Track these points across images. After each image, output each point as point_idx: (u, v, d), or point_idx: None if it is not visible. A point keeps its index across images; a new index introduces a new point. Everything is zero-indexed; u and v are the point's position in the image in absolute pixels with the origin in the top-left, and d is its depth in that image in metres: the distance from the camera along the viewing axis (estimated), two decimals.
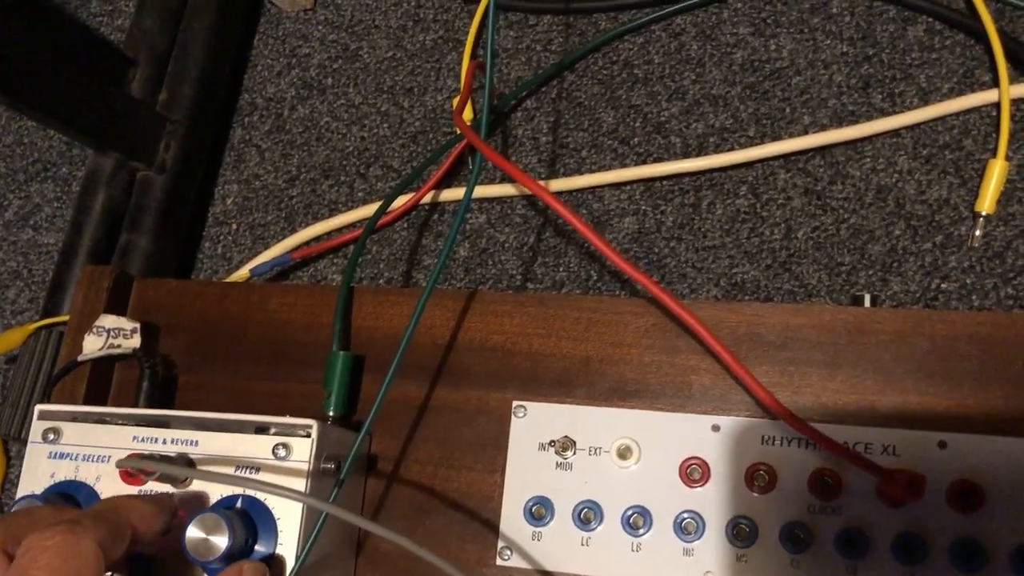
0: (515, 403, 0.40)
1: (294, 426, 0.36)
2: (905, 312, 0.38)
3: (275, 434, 0.36)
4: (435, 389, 0.41)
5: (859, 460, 0.35)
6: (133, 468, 0.36)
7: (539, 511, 0.39)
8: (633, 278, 0.41)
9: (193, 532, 0.34)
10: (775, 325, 0.39)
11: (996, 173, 0.49)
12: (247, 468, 0.36)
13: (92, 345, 0.43)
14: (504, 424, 0.40)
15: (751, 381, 0.36)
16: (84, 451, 0.38)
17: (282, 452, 0.36)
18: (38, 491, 0.38)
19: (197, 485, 0.36)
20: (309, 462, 0.36)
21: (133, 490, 0.37)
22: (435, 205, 0.59)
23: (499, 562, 0.39)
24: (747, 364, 0.37)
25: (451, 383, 0.41)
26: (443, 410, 0.41)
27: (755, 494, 0.37)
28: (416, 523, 0.40)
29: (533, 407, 0.40)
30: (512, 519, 0.39)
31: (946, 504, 0.35)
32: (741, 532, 0.37)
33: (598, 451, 0.39)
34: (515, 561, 0.39)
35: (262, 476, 0.36)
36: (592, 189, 0.56)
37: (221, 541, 0.34)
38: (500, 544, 0.39)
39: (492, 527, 0.39)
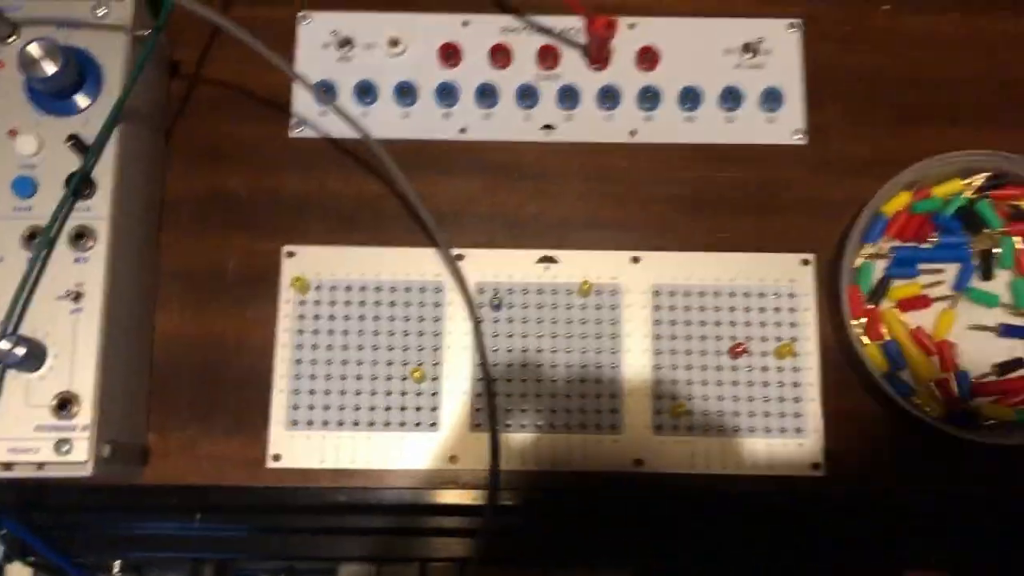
0: (300, 14, 0.48)
1: None
2: None
3: None
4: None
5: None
6: None
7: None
8: None
9: (32, 49, 0.39)
10: None
11: None
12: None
13: None
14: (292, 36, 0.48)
15: None
16: None
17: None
18: None
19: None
20: None
21: None
22: None
23: (291, 134, 0.47)
24: None
25: None
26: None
27: (499, 69, 0.47)
28: (217, 119, 0.47)
29: (319, 15, 0.48)
30: (303, 96, 0.47)
31: (634, 66, 0.48)
32: (487, 93, 0.47)
33: (372, 46, 0.48)
34: (307, 132, 0.47)
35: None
36: None
37: (51, 67, 0.39)
38: (293, 120, 0.47)
39: (283, 107, 0.47)
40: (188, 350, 0.44)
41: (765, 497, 0.43)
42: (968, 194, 0.45)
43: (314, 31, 0.48)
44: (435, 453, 0.43)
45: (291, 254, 0.45)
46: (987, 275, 0.45)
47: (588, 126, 0.47)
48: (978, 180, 0.45)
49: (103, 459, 0.38)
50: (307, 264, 0.45)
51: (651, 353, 0.44)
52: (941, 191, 0.45)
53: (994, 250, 0.45)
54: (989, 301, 0.45)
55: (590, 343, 0.44)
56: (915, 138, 0.46)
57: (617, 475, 0.43)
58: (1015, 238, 0.45)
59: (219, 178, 0.46)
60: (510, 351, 0.44)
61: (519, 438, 0.43)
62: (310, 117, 0.47)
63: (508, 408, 0.43)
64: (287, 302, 0.44)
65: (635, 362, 0.44)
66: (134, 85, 0.40)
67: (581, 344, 0.44)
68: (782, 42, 0.47)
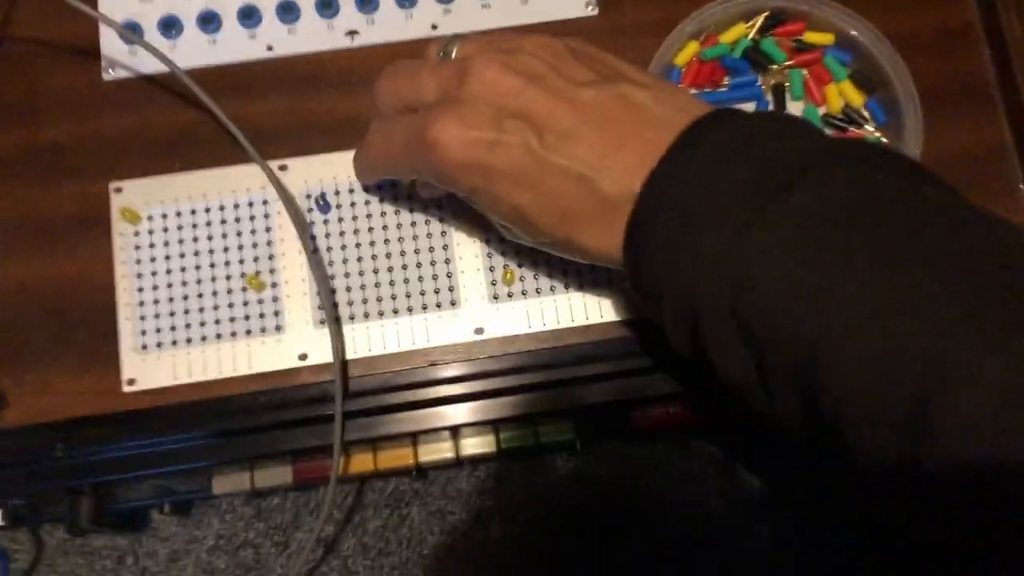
0: None
1: None
2: None
3: None
4: None
5: None
6: None
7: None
8: None
9: None
10: None
11: None
12: None
13: None
14: None
15: None
16: None
17: None
18: None
19: None
20: None
21: None
22: None
23: (105, 77, 0.48)
24: None
25: None
26: None
27: None
28: (29, 74, 0.48)
29: None
30: (111, 39, 0.48)
31: None
32: (288, 8, 0.48)
33: None
34: (119, 73, 0.48)
35: None
36: None
37: None
38: (104, 63, 0.48)
39: (93, 53, 0.48)
40: (31, 296, 0.45)
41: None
42: (752, 36, 0.48)
43: None
44: (284, 353, 0.45)
45: (119, 190, 0.46)
46: (781, 107, 0.48)
47: (390, 27, 0.49)
48: (759, 21, 0.48)
49: None
50: (135, 196, 0.46)
51: (479, 229, 0.46)
52: (726, 37, 0.48)
53: (784, 84, 0.48)
54: None
55: (420, 229, 0.46)
56: None
57: (461, 345, 0.45)
58: (802, 70, 0.48)
59: (40, 130, 0.47)
60: (344, 248, 0.46)
61: (363, 326, 0.45)
62: (120, 58, 0.48)
63: (350, 302, 0.45)
64: (121, 235, 0.46)
65: (463, 240, 0.46)
66: None
67: (411, 232, 0.46)
68: None
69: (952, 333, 0.27)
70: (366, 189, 0.46)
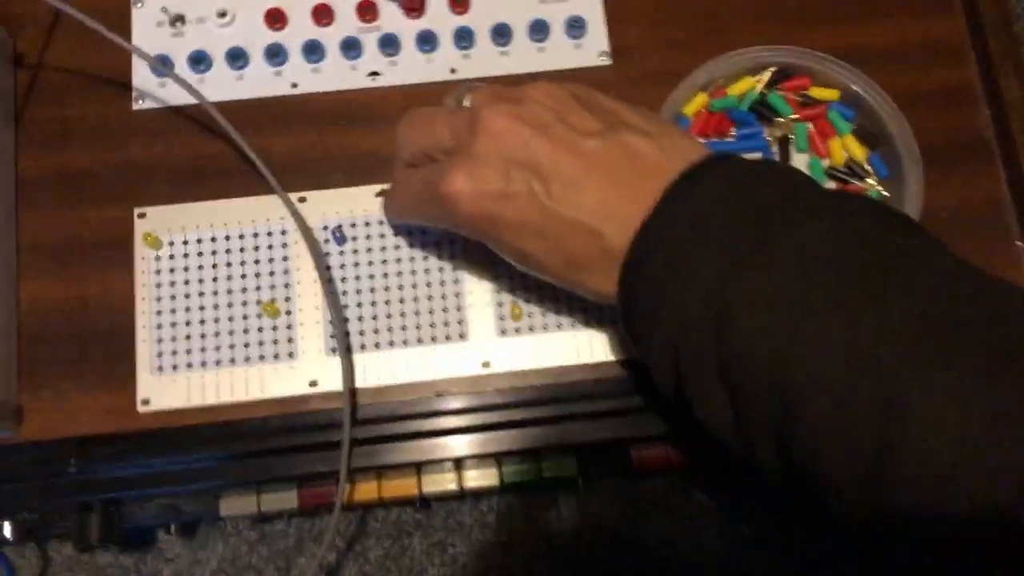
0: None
1: None
2: None
3: None
4: None
5: None
6: None
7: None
8: None
9: None
10: None
11: None
12: None
13: None
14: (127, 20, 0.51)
15: None
16: None
17: None
18: None
19: None
20: None
21: None
22: None
23: (135, 107, 0.50)
24: None
25: None
26: None
27: (323, 27, 0.51)
28: (63, 103, 0.50)
29: None
30: (142, 71, 0.50)
31: (448, 11, 0.52)
32: (313, 49, 0.50)
33: (203, 19, 0.51)
34: (148, 104, 0.50)
35: None
36: None
37: None
38: (134, 94, 0.50)
39: (124, 84, 0.50)
40: (54, 315, 0.47)
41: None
42: (759, 89, 0.50)
43: (147, 13, 0.51)
44: (295, 379, 0.46)
45: (142, 215, 0.48)
46: (785, 159, 0.49)
47: (411, 69, 0.51)
48: (766, 76, 0.50)
49: None
50: (158, 222, 0.48)
51: (488, 265, 0.47)
52: (734, 90, 0.50)
53: (789, 136, 0.50)
54: None
55: (432, 263, 0.48)
56: (710, 48, 0.50)
57: (468, 377, 0.46)
58: (807, 123, 0.50)
59: (69, 156, 0.49)
60: (357, 279, 0.47)
61: (373, 356, 0.46)
62: (150, 90, 0.50)
63: (361, 331, 0.47)
64: (143, 259, 0.47)
65: (473, 275, 0.47)
66: None
67: (424, 265, 0.48)
68: None
69: (911, 382, 0.28)
70: (380, 223, 0.48)
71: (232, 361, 0.46)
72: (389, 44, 0.50)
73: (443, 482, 0.48)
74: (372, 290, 0.47)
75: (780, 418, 0.31)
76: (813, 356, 0.30)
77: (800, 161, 0.49)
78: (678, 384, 0.35)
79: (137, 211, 0.48)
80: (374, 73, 0.50)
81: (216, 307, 0.47)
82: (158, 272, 0.47)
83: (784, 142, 0.49)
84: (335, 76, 0.50)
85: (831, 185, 0.49)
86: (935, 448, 0.27)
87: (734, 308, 0.32)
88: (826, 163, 0.49)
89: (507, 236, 0.37)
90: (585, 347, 0.47)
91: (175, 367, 0.46)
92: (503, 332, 0.47)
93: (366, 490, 0.48)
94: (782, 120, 0.50)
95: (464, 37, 0.50)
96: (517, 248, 0.38)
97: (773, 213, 0.34)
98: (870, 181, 0.49)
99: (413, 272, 0.47)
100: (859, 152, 0.49)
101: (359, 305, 0.47)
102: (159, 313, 0.47)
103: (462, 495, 0.49)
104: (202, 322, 0.47)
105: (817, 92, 0.50)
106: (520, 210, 0.37)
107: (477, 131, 0.37)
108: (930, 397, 0.28)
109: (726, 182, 0.35)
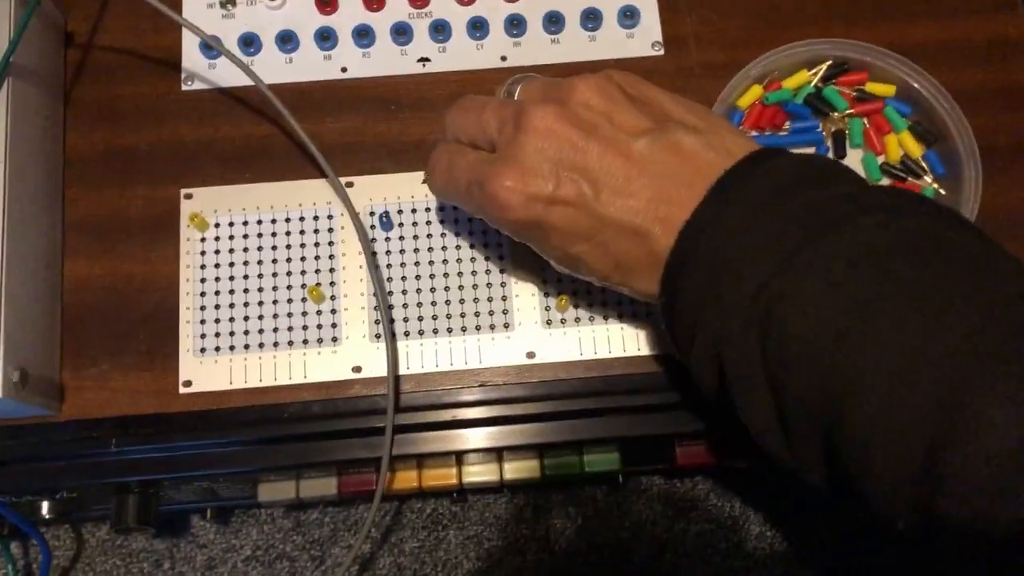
0: None
1: None
2: None
3: None
4: None
5: None
6: None
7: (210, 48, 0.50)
8: None
9: None
10: None
11: None
12: None
13: None
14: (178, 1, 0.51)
15: None
16: None
17: None
18: None
19: None
20: None
21: None
22: None
23: (184, 88, 0.50)
24: None
25: None
26: None
27: (374, 12, 0.51)
28: (112, 82, 0.50)
29: None
30: (192, 52, 0.50)
31: None
32: (364, 34, 0.50)
33: (254, 2, 0.51)
34: (197, 85, 0.50)
35: None
36: None
37: None
38: (184, 75, 0.50)
39: (174, 64, 0.50)
40: (98, 293, 0.46)
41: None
42: (815, 83, 0.49)
43: None
44: (339, 365, 0.45)
45: (189, 196, 0.48)
46: (840, 154, 0.49)
47: (461, 56, 0.50)
48: (822, 69, 0.49)
49: (12, 384, 0.40)
50: (204, 203, 0.48)
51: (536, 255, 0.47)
52: (790, 83, 0.49)
53: (844, 131, 0.49)
54: None
55: (479, 252, 0.47)
56: (764, 40, 0.50)
57: (512, 367, 0.45)
58: (862, 119, 0.49)
59: (118, 135, 0.49)
60: (403, 265, 0.47)
61: (417, 343, 0.46)
62: (199, 71, 0.50)
63: (406, 318, 0.46)
64: (188, 240, 0.47)
65: (520, 265, 0.47)
66: (18, 46, 0.43)
67: (470, 253, 0.47)
68: None
69: (970, 382, 0.27)
70: (427, 210, 0.47)
71: (275, 345, 0.46)
72: (440, 30, 0.50)
73: (483, 473, 0.48)
74: (418, 277, 0.47)
75: (828, 416, 0.30)
76: (864, 353, 0.29)
77: (854, 156, 0.49)
78: (721, 383, 0.35)
79: (184, 192, 0.48)
80: (424, 59, 0.50)
81: (260, 290, 0.46)
82: (203, 253, 0.47)
83: (839, 137, 0.49)
84: (385, 61, 0.50)
85: (886, 182, 0.48)
86: (994, 451, 0.26)
87: (782, 305, 0.31)
88: (881, 159, 0.48)
89: (554, 239, 0.37)
90: (632, 341, 0.46)
91: (218, 349, 0.46)
92: (549, 323, 0.46)
93: (406, 479, 0.47)
94: (837, 115, 0.49)
95: (515, 24, 0.50)
96: (563, 251, 0.37)
97: (822, 211, 0.33)
98: (926, 179, 0.48)
99: (459, 260, 0.47)
100: (915, 149, 0.48)
101: (404, 292, 0.46)
102: (203, 295, 0.46)
103: (502, 487, 0.48)
104: (246, 305, 0.46)
105: (874, 87, 0.49)
106: (568, 216, 0.36)
107: (525, 128, 0.37)
108: (991, 399, 0.27)
109: (773, 180, 0.34)
